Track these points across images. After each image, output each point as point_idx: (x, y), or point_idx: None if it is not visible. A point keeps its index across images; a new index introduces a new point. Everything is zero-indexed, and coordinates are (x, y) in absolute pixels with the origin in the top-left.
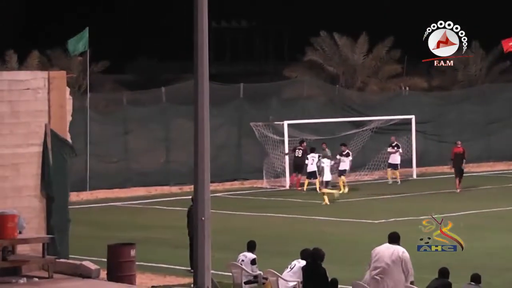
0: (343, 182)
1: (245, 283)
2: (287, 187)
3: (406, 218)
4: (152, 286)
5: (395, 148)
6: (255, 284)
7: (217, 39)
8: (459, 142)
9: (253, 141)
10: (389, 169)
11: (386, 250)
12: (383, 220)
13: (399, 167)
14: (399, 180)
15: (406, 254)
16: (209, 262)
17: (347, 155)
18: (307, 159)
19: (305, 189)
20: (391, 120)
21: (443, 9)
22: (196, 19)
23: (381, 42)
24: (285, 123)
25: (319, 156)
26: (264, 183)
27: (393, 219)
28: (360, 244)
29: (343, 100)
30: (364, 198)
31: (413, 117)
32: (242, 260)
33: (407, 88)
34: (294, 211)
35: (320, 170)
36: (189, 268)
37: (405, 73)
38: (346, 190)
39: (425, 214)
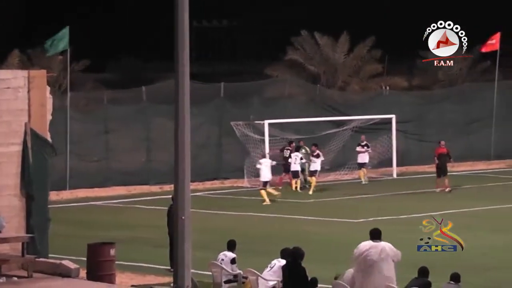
0: (313, 183)
1: (225, 282)
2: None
3: (386, 218)
4: (132, 286)
5: (365, 147)
6: (235, 283)
7: (198, 38)
8: (443, 142)
9: (233, 140)
10: (361, 169)
11: (373, 248)
12: (362, 220)
13: (366, 166)
14: (366, 179)
15: (393, 248)
16: (189, 261)
17: (317, 156)
18: (291, 157)
19: (298, 189)
20: (372, 119)
21: (431, 9)
22: (176, 18)
23: (362, 42)
24: (266, 122)
25: (301, 158)
26: (245, 182)
27: (372, 219)
28: (341, 243)
29: (324, 99)
30: (344, 197)
31: (393, 116)
32: (222, 259)
33: (388, 88)
34: (274, 210)
35: (260, 170)
36: (169, 267)
37: (386, 72)
38: (311, 192)
39: (405, 213)
